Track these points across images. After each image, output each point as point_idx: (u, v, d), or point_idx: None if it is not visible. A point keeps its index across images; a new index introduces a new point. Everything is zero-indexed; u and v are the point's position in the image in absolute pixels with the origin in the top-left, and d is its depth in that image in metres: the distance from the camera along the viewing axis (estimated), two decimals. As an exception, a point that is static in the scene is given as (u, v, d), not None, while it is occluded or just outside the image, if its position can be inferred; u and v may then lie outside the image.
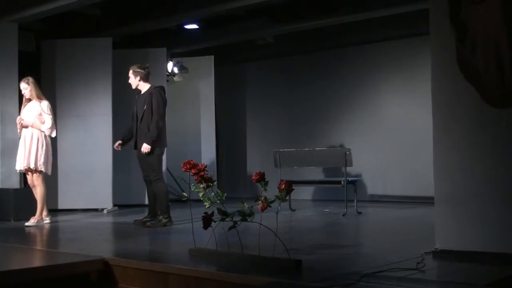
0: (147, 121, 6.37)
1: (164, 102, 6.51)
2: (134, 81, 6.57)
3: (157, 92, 6.46)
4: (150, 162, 6.44)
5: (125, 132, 6.75)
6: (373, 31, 9.59)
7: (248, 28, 9.63)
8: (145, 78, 6.56)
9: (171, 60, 10.24)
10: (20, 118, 6.87)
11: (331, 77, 10.37)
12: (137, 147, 6.48)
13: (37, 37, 9.48)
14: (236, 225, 3.83)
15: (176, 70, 10.34)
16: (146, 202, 9.37)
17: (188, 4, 8.52)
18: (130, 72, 6.58)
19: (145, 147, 6.31)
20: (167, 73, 10.14)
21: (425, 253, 4.00)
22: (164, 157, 9.45)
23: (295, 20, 9.19)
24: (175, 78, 10.35)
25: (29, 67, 8.27)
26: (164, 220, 6.38)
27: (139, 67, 6.57)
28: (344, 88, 10.23)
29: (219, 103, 10.71)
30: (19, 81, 7.21)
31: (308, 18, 9.05)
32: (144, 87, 6.56)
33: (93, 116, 8.88)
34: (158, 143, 6.42)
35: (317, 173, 9.19)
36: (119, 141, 6.71)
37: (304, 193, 9.34)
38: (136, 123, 6.49)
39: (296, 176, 8.48)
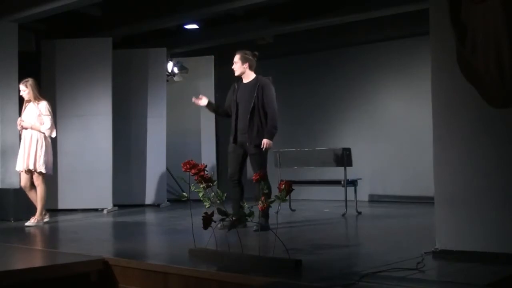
0: (259, 115, 5.86)
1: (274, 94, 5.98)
2: (240, 67, 5.99)
3: (268, 83, 5.94)
4: (258, 159, 5.89)
5: (219, 105, 6.25)
6: (373, 31, 9.59)
7: (248, 28, 9.63)
8: (252, 67, 6.03)
9: (171, 60, 10.24)
10: (20, 120, 6.89)
11: (331, 77, 10.37)
12: (238, 141, 5.97)
13: (37, 37, 9.48)
14: (236, 225, 3.83)
15: (176, 70, 10.33)
16: (146, 202, 9.46)
17: (188, 4, 8.52)
18: (238, 57, 6.00)
19: (268, 143, 5.81)
20: (167, 73, 10.14)
21: (425, 253, 4.00)
22: (164, 157, 9.58)
23: (295, 20, 9.18)
24: (175, 78, 10.35)
25: (29, 67, 8.27)
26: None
27: (249, 54, 6.03)
28: (344, 88, 10.22)
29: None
30: (19, 81, 7.21)
31: (308, 18, 9.05)
32: (249, 76, 6.03)
33: (93, 116, 8.87)
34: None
35: (317, 173, 9.18)
36: (207, 100, 6.12)
37: (304, 193, 9.33)
38: (237, 114, 5.97)
39: (296, 176, 8.47)
